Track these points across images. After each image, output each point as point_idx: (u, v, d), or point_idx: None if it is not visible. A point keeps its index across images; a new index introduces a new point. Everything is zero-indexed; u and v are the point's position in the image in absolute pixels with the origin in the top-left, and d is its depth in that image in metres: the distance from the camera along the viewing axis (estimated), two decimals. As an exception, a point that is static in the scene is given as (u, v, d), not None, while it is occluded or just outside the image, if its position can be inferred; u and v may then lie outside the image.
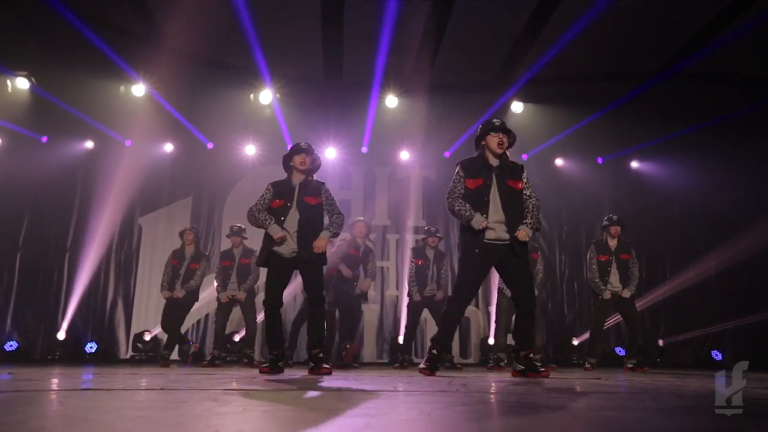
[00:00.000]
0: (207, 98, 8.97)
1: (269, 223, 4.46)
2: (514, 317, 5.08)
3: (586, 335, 7.42)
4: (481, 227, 4.08)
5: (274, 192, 4.64)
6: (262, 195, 4.66)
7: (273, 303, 4.46)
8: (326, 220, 4.69)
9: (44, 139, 9.15)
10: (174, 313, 6.95)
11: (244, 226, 7.09)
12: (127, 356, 8.52)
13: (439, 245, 7.32)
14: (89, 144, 9.32)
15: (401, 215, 9.74)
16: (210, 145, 9.61)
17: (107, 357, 8.55)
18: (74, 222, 9.11)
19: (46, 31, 7.60)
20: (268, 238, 4.49)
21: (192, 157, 9.56)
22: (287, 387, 3.03)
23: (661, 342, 9.02)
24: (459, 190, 4.28)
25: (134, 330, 8.64)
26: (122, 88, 8.94)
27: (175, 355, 7.66)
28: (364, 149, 9.87)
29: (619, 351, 8.78)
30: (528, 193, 4.31)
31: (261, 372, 4.43)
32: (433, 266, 7.11)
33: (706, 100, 8.87)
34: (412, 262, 7.24)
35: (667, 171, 9.68)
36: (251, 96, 9.16)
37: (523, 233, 4.11)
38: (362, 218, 7.41)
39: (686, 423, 1.75)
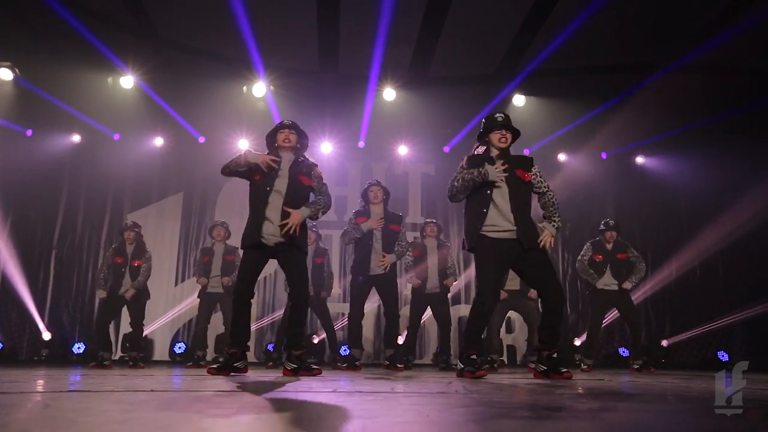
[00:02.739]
0: (198, 90, 8.94)
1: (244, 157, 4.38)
2: (530, 316, 5.03)
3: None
4: (498, 175, 4.03)
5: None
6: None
7: (245, 291, 4.29)
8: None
9: (29, 132, 9.13)
10: (112, 312, 7.02)
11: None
12: (116, 357, 8.50)
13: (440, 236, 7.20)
14: (76, 138, 9.29)
15: (399, 212, 9.73)
16: (201, 139, 9.60)
17: (95, 358, 8.53)
18: (60, 219, 9.09)
19: (30, 20, 7.57)
20: (251, 219, 4.35)
21: (183, 152, 9.54)
22: (281, 389, 3.03)
23: (665, 342, 9.05)
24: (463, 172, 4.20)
25: (123, 330, 8.62)
26: (110, 79, 8.91)
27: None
28: (361, 144, 9.86)
29: (623, 351, 8.81)
30: (544, 188, 4.26)
31: (208, 372, 4.19)
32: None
33: (714, 93, 8.87)
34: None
35: (674, 166, 9.70)
36: (244, 88, 9.14)
37: (548, 235, 4.09)
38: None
39: (691, 425, 1.76)
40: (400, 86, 9.11)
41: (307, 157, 4.65)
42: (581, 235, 9.47)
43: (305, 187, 4.44)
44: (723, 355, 8.83)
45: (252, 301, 4.36)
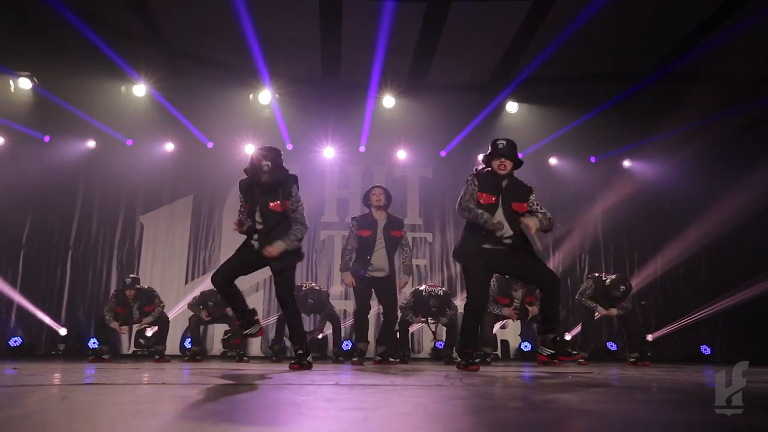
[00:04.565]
0: (207, 98, 8.94)
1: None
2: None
3: (578, 329, 7.43)
4: (495, 228, 4.04)
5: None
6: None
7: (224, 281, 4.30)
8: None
9: (47, 138, 9.13)
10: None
11: None
12: (129, 352, 8.51)
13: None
14: (91, 143, 9.30)
15: (398, 213, 9.73)
16: (210, 145, 9.60)
17: (110, 353, 8.54)
18: (77, 220, 9.10)
19: (48, 32, 7.58)
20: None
21: (192, 156, 9.54)
22: (287, 381, 3.03)
23: (650, 337, 9.05)
24: (470, 200, 4.22)
25: (136, 326, 8.62)
26: (123, 88, 8.92)
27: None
28: (362, 148, 9.86)
29: (611, 346, 8.81)
30: (539, 211, 4.26)
31: (222, 345, 4.23)
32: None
33: (697, 100, 8.87)
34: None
35: (659, 170, 9.70)
36: (250, 96, 9.14)
37: (532, 221, 4.06)
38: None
39: (676, 415, 1.76)
40: (399, 94, 9.11)
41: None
42: (570, 235, 9.49)
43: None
44: (705, 349, 8.85)
45: (260, 297, 4.42)
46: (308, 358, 4.29)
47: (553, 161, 9.98)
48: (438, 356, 8.50)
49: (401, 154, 9.80)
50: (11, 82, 8.51)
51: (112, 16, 7.26)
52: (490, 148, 4.33)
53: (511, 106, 9.33)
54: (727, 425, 1.52)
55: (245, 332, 4.37)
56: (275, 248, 4.17)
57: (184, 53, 8.21)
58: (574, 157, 9.93)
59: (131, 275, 7.29)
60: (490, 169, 4.31)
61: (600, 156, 9.99)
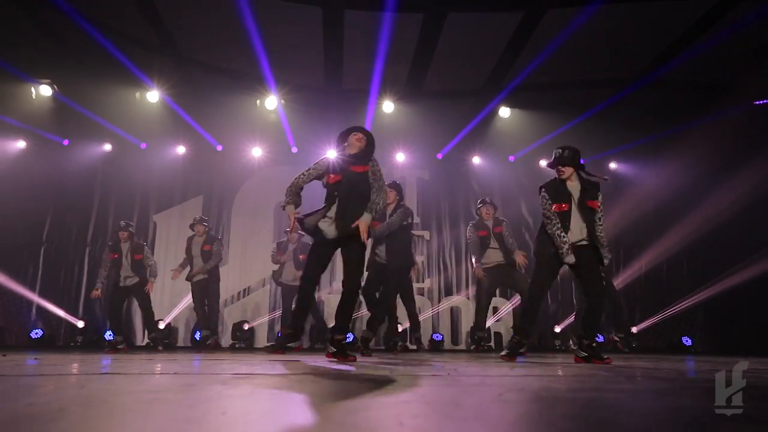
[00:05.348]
0: (216, 104, 8.95)
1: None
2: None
3: (568, 321, 7.43)
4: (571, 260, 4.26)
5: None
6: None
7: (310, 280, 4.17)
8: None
9: (66, 142, 9.16)
10: (122, 302, 7.20)
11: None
12: (143, 343, 8.52)
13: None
14: (107, 146, 9.32)
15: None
16: (219, 148, 9.60)
17: (124, 342, 8.55)
18: (94, 219, 9.11)
19: (67, 42, 7.58)
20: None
21: (203, 159, 9.55)
22: (292, 371, 3.03)
23: (634, 329, 9.06)
24: (549, 214, 4.41)
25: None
26: (138, 94, 8.92)
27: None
28: (363, 151, 9.85)
29: (598, 338, 8.81)
30: (601, 215, 4.45)
31: (267, 351, 4.10)
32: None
33: (677, 106, 8.90)
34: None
35: (644, 171, 9.72)
36: (257, 102, 9.15)
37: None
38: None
39: (659, 402, 1.76)
40: (398, 100, 9.11)
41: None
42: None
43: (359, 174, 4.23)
44: (687, 340, 8.86)
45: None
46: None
47: (543, 163, 9.97)
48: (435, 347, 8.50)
49: (400, 157, 9.81)
50: (33, 89, 8.52)
51: (128, 26, 7.26)
52: (553, 157, 4.61)
53: (504, 112, 9.33)
54: (707, 412, 1.53)
55: (289, 345, 4.21)
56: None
57: (195, 62, 8.21)
58: (563, 159, 9.92)
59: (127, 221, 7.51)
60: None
61: (587, 158, 9.95)
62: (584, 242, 4.33)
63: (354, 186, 4.04)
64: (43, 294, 8.69)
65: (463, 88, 8.90)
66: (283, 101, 9.06)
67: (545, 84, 8.57)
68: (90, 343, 8.36)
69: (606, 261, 6.36)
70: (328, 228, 4.06)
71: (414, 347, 6.46)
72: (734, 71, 7.91)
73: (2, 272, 8.61)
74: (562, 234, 4.27)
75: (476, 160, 9.76)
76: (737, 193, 8.01)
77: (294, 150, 9.74)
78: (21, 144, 8.99)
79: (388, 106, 9.17)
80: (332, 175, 4.11)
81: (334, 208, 4.06)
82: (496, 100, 8.99)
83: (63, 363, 3.83)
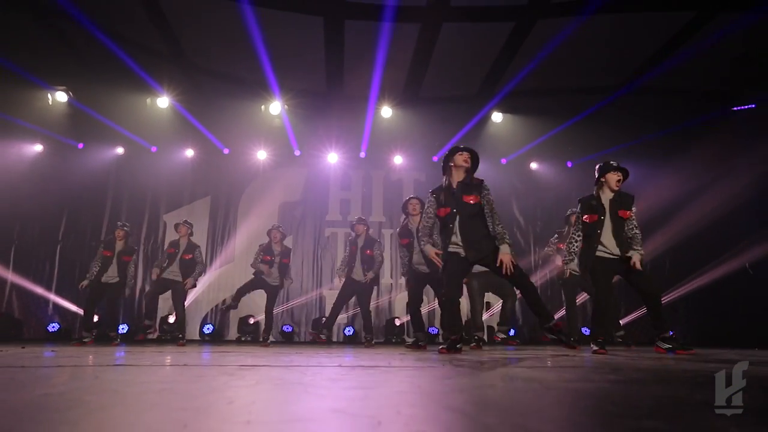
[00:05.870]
0: (223, 109, 8.95)
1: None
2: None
3: (558, 315, 7.43)
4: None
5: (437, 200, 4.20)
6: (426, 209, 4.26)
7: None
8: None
9: (80, 145, 9.16)
10: (100, 298, 6.91)
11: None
12: (154, 337, 8.51)
13: (368, 232, 6.89)
14: (120, 150, 9.32)
15: (395, 213, 9.76)
16: (226, 151, 9.60)
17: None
18: (107, 218, 9.11)
19: (82, 51, 7.58)
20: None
21: (210, 161, 9.55)
22: (295, 363, 3.03)
23: (621, 322, 9.07)
24: (580, 226, 4.64)
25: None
26: (148, 100, 8.92)
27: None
28: (363, 154, 9.87)
29: (585, 331, 8.81)
30: (634, 224, 4.55)
31: (440, 352, 4.04)
32: (361, 252, 6.69)
33: (659, 112, 8.92)
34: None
35: (629, 174, 9.72)
36: (262, 107, 9.16)
37: (637, 259, 4.37)
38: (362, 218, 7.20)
39: (642, 391, 1.77)
40: (396, 105, 9.12)
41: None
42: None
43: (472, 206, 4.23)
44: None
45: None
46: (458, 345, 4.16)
47: (533, 166, 10.00)
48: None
49: (398, 159, 9.81)
50: (49, 95, 8.54)
51: (139, 36, 7.26)
52: (601, 168, 4.78)
53: (496, 116, 9.34)
54: (686, 400, 1.53)
55: (458, 346, 4.13)
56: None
57: (203, 69, 8.22)
58: (552, 162, 9.95)
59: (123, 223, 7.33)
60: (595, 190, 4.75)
61: (576, 161, 10.00)
62: (617, 256, 4.50)
63: (470, 216, 4.10)
64: (59, 289, 8.70)
65: (457, 94, 8.92)
66: (286, 106, 9.06)
67: (535, 90, 8.58)
68: (104, 336, 8.33)
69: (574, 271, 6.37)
70: (459, 250, 4.12)
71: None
72: (713, 79, 7.94)
73: (21, 268, 8.62)
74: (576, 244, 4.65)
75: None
76: (718, 197, 8.03)
77: (297, 153, 9.74)
78: (38, 147, 8.99)
79: (386, 111, 9.18)
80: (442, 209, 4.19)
81: (456, 236, 4.12)
82: (488, 106, 9.00)
83: (79, 355, 3.83)
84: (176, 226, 7.27)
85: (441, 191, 4.22)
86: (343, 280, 6.68)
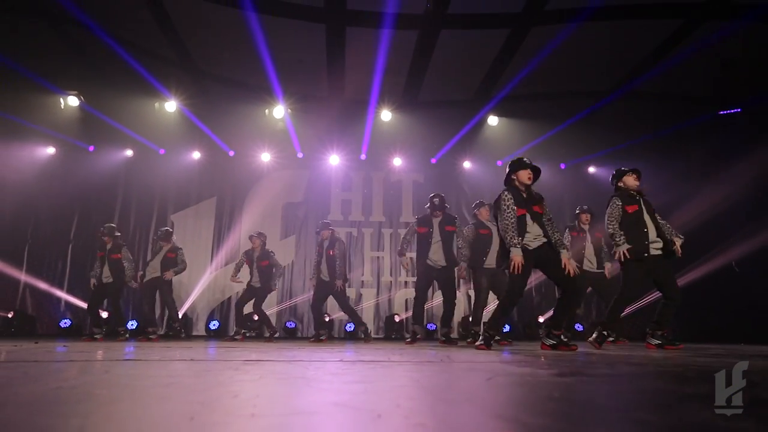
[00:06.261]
0: (229, 113, 8.95)
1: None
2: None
3: (550, 313, 7.43)
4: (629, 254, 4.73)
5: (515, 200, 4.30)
6: (508, 206, 4.28)
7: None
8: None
9: (91, 148, 9.16)
10: (101, 297, 6.98)
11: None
12: (162, 332, 8.51)
13: (333, 234, 6.96)
14: (129, 152, 9.32)
15: (394, 213, 9.77)
16: (231, 153, 9.60)
17: (145, 333, 8.55)
18: (117, 218, 9.10)
19: (93, 57, 7.58)
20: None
21: (216, 163, 9.55)
22: (298, 358, 3.03)
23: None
24: (617, 215, 4.79)
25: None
26: (157, 104, 8.92)
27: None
28: (363, 156, 9.86)
29: (578, 327, 8.82)
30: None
31: (478, 348, 4.19)
32: (326, 253, 6.78)
33: (650, 115, 8.92)
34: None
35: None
36: (266, 111, 9.15)
37: (678, 245, 4.68)
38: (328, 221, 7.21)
39: (632, 385, 1.77)
40: (395, 109, 9.12)
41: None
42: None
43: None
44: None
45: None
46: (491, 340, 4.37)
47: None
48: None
49: (397, 161, 9.81)
50: (61, 99, 8.54)
51: (148, 42, 7.26)
52: (618, 172, 5.06)
53: (492, 120, 9.34)
54: (673, 394, 1.53)
55: (492, 342, 4.42)
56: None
57: (210, 74, 8.22)
58: (546, 164, 9.91)
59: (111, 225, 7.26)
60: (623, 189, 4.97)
61: (569, 163, 10.00)
62: (660, 250, 4.74)
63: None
64: (70, 287, 8.70)
65: (454, 99, 8.91)
66: (289, 110, 9.06)
67: (530, 95, 8.58)
68: (114, 332, 8.34)
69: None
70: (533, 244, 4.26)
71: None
72: (701, 83, 7.94)
73: (34, 267, 8.63)
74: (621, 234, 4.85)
75: (467, 164, 9.76)
76: (708, 199, 8.03)
77: (299, 155, 9.74)
78: (50, 150, 8.99)
79: (386, 115, 9.17)
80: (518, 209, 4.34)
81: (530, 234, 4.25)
82: (485, 110, 9.00)
83: (89, 350, 3.83)
84: (250, 237, 7.47)
85: (514, 191, 4.37)
86: (314, 282, 6.86)
